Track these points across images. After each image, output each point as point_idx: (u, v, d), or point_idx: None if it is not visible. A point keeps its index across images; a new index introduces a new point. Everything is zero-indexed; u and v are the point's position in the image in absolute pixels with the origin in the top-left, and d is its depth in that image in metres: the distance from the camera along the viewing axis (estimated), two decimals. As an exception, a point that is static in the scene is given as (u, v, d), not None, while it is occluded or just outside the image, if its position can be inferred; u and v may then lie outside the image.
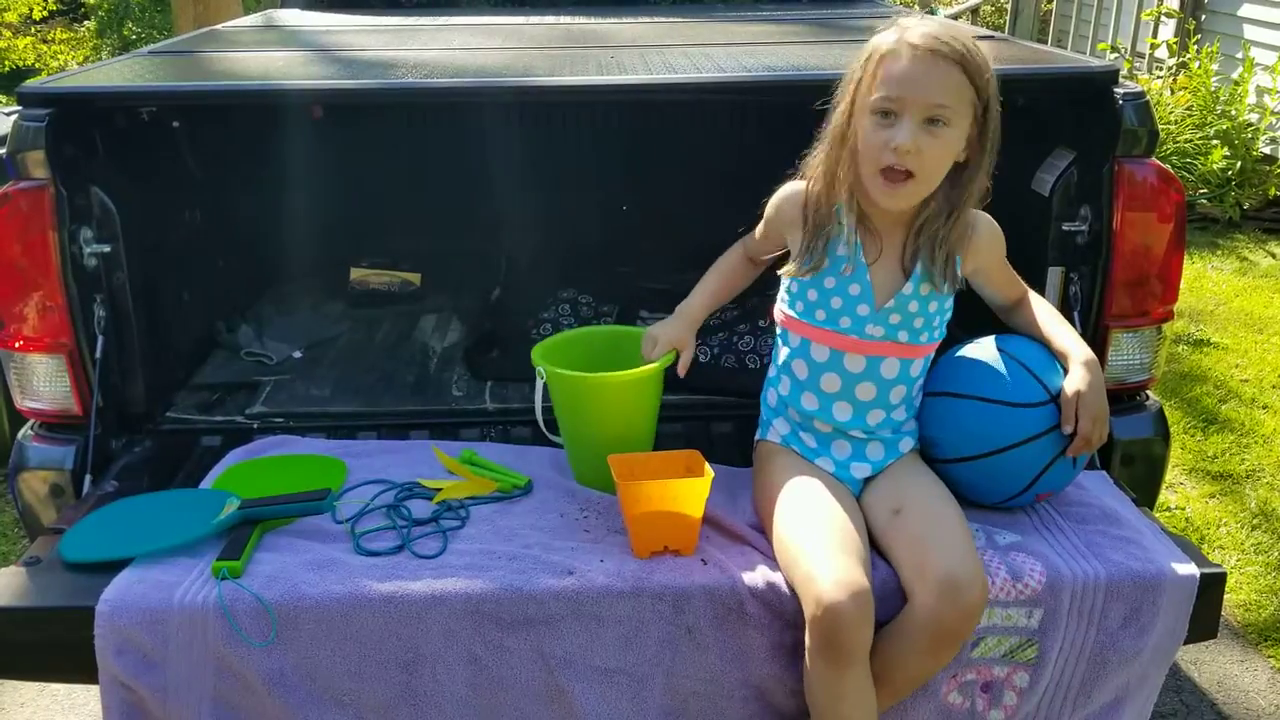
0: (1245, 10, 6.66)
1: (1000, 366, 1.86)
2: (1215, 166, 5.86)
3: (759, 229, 2.02)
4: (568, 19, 3.39)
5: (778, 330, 1.96)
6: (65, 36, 10.00)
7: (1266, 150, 6.15)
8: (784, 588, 1.71)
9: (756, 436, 2.03)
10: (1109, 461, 2.15)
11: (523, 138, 3.36)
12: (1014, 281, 1.97)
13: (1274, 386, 4.11)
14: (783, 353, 1.95)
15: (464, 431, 2.31)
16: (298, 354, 2.72)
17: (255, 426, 2.33)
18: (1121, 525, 1.87)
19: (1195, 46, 6.60)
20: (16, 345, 2.10)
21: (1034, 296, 1.98)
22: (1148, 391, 2.28)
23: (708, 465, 1.82)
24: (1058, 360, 1.87)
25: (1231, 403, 3.98)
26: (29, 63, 9.41)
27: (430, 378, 2.60)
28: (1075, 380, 1.82)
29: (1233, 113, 6.10)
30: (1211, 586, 1.78)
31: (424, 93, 2.17)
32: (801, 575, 1.66)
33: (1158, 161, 2.11)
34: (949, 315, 1.90)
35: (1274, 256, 5.60)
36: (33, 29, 9.95)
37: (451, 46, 2.74)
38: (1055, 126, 2.24)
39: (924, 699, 1.75)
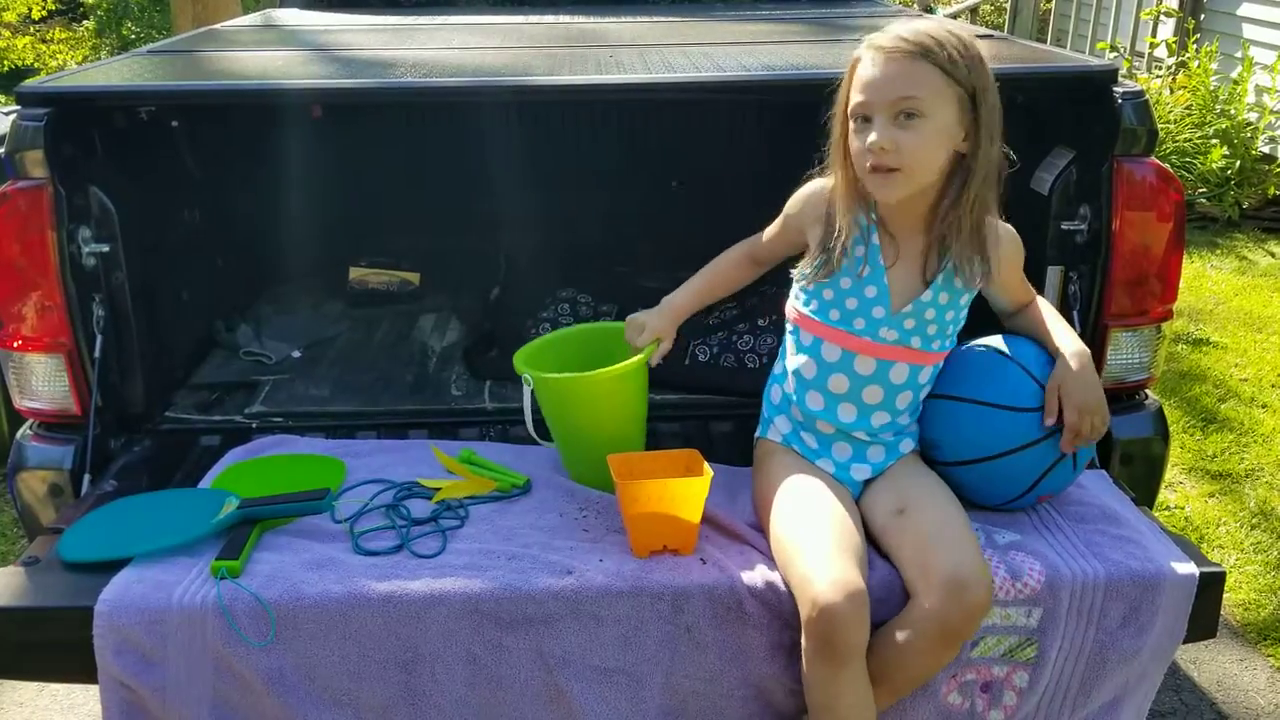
0: (1244, 9, 6.66)
1: (1002, 370, 1.86)
2: (1214, 166, 5.86)
3: (774, 226, 2.00)
4: (567, 18, 3.39)
5: (788, 327, 1.96)
6: (64, 36, 10.00)
7: (1265, 149, 6.15)
8: (783, 587, 1.71)
9: (757, 434, 2.03)
10: (1108, 461, 2.15)
11: (522, 137, 3.36)
12: (1026, 289, 1.97)
13: (1273, 385, 4.11)
14: (791, 350, 1.94)
15: (463, 431, 2.31)
16: (297, 353, 2.72)
17: (254, 426, 2.33)
18: (1121, 524, 1.87)
19: (1194, 46, 6.60)
20: (15, 345, 2.10)
21: (1037, 299, 1.98)
22: (1147, 391, 2.28)
23: (707, 465, 1.82)
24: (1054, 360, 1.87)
25: (1231, 402, 3.98)
26: (28, 62, 9.41)
27: (429, 377, 2.60)
28: (1058, 371, 1.83)
29: (1232, 112, 6.10)
30: (1211, 586, 1.78)
31: (423, 92, 2.16)
32: (797, 575, 1.66)
33: (1157, 161, 2.11)
34: (962, 324, 1.90)
35: (1273, 255, 5.60)
36: (31, 28, 9.95)
37: (450, 46, 2.74)
38: (1054, 125, 2.24)
39: (923, 699, 1.75)
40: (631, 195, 3.43)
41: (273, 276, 3.18)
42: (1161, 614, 1.77)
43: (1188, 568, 1.77)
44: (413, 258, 3.21)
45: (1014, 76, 2.07)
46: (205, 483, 2.04)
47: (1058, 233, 2.16)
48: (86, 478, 2.07)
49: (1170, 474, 3.44)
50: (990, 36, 2.70)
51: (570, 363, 2.06)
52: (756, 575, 1.73)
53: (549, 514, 1.93)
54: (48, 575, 1.76)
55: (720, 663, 1.73)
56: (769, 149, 3.43)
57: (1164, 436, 2.24)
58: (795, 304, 1.93)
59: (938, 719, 1.77)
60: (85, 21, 10.47)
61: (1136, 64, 7.46)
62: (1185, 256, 3.97)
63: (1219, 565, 1.81)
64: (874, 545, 1.80)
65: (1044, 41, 8.82)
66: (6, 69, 9.29)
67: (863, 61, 1.76)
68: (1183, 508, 3.30)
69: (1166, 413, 2.30)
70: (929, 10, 7.74)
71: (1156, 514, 2.04)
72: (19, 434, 2.18)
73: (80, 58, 9.63)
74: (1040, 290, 2.09)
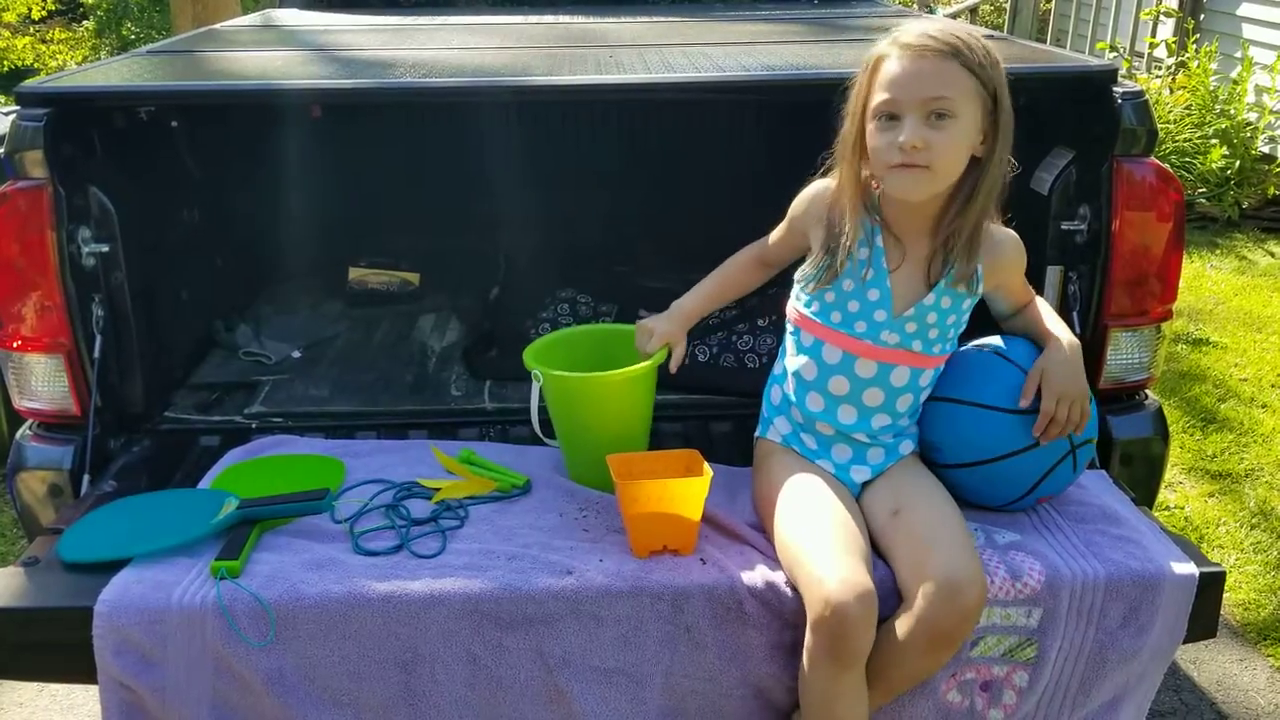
0: (1244, 9, 6.66)
1: (1002, 373, 1.86)
2: (1214, 166, 5.86)
3: (780, 229, 2.00)
4: (566, 18, 3.39)
5: (789, 328, 1.96)
6: (64, 36, 10.00)
7: (1265, 149, 6.15)
8: (783, 587, 1.71)
9: (756, 433, 2.03)
10: (1108, 461, 2.15)
11: (521, 137, 3.36)
12: (1026, 291, 1.97)
13: (1273, 385, 4.11)
14: (792, 351, 1.94)
15: (463, 431, 2.31)
16: (296, 354, 2.72)
17: (254, 426, 2.32)
18: (1121, 524, 1.87)
19: (1194, 46, 6.60)
20: (15, 345, 2.10)
21: (1035, 298, 1.98)
22: (1147, 391, 2.27)
23: (707, 465, 1.82)
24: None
25: (1230, 402, 3.98)
26: (27, 62, 9.42)
27: (429, 377, 2.60)
28: (1042, 358, 1.84)
29: (1231, 112, 6.10)
30: (1211, 585, 1.78)
31: (422, 92, 2.16)
32: (806, 576, 1.65)
33: (1157, 161, 2.10)
34: (963, 328, 1.90)
35: (1273, 255, 5.60)
36: (31, 29, 9.95)
37: (450, 46, 2.74)
38: (1054, 125, 2.24)
39: (923, 697, 1.75)
40: (631, 195, 3.43)
41: (272, 276, 3.18)
42: (1161, 614, 1.77)
43: (1188, 568, 1.77)
44: (412, 258, 3.21)
45: (1014, 76, 2.06)
46: (205, 483, 2.04)
47: (1057, 233, 2.16)
48: (86, 478, 2.07)
49: (1170, 474, 3.44)
50: (990, 36, 2.69)
51: (579, 362, 2.06)
52: (756, 575, 1.73)
53: (549, 514, 1.93)
54: (47, 575, 1.76)
55: (720, 662, 1.73)
56: (769, 149, 3.43)
57: (1164, 436, 2.24)
58: (796, 305, 1.93)
59: (937, 717, 1.77)
60: (85, 22, 10.47)
61: (1136, 64, 7.46)
62: (1185, 256, 3.97)
63: (1219, 565, 1.81)
64: (872, 546, 1.79)
65: (1043, 41, 8.82)
66: (6, 69, 9.29)
67: (889, 59, 1.73)
68: (1182, 508, 3.30)
69: (1166, 413, 2.30)
70: (929, 10, 7.74)
71: (1156, 514, 2.04)
72: (18, 434, 2.18)
73: (80, 58, 9.64)
74: (1040, 290, 2.09)
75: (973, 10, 9.40)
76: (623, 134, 3.47)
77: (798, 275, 1.93)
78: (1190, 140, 6.04)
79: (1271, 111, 6.12)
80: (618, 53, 2.52)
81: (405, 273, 3.17)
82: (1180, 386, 4.09)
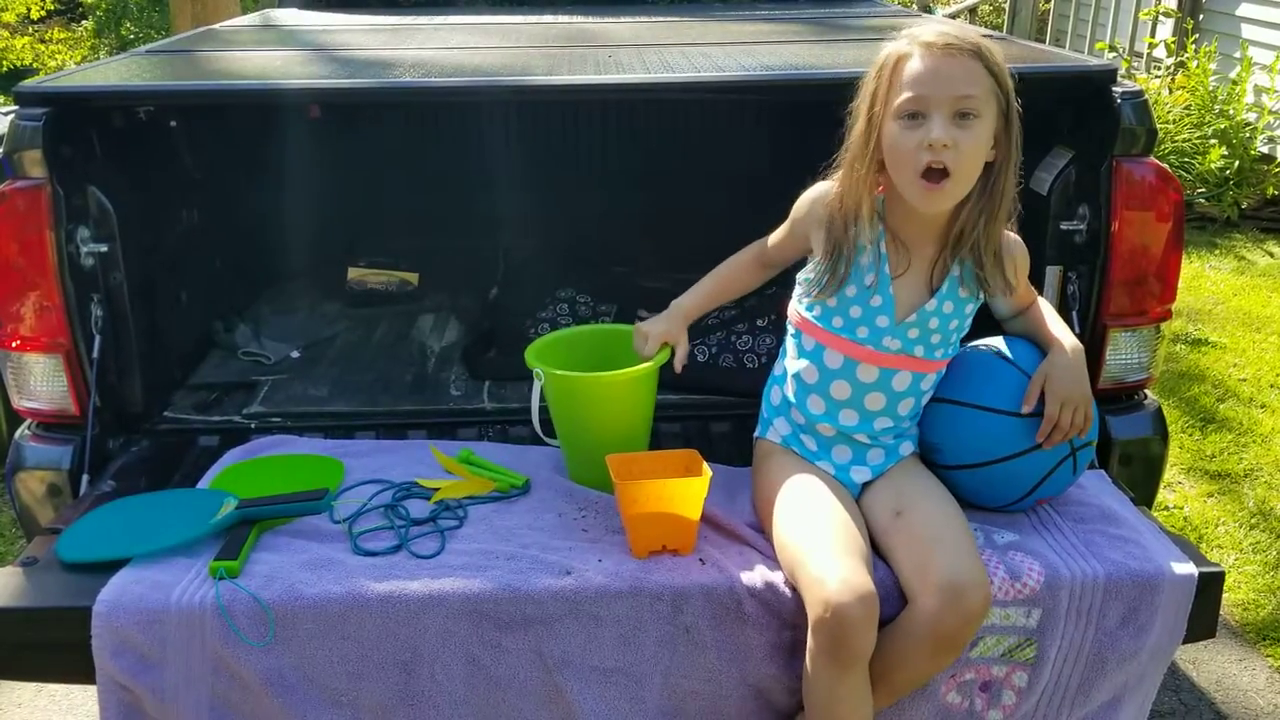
0: (1243, 10, 6.66)
1: (1004, 375, 1.86)
2: (1213, 166, 5.86)
3: (781, 230, 1.98)
4: (565, 18, 3.39)
5: (790, 330, 1.95)
6: (63, 36, 9.99)
7: (1264, 149, 6.15)
8: (782, 587, 1.71)
9: (756, 434, 2.03)
10: (1108, 461, 2.15)
11: (520, 137, 3.36)
12: (1029, 292, 1.96)
13: (1272, 385, 4.11)
14: (793, 353, 1.93)
15: (462, 431, 2.31)
16: (295, 354, 2.72)
17: (253, 426, 2.32)
18: (1120, 524, 1.87)
19: (1193, 46, 6.60)
20: (13, 345, 2.10)
21: (1037, 299, 1.98)
22: (1146, 391, 2.27)
23: (706, 465, 1.81)
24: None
25: (1229, 402, 3.98)
26: (26, 62, 9.41)
27: (428, 377, 2.60)
28: (1046, 362, 1.83)
29: (1230, 112, 6.10)
30: (1210, 585, 1.78)
31: (421, 92, 2.16)
32: (807, 577, 1.65)
33: (1156, 160, 2.10)
34: (965, 331, 1.90)
35: (1272, 255, 5.61)
36: (30, 28, 9.94)
37: (449, 46, 2.74)
38: (1053, 125, 2.24)
39: (923, 698, 1.75)
40: (631, 195, 3.43)
41: (271, 276, 3.18)
42: (1161, 614, 1.76)
43: (1187, 568, 1.77)
44: (411, 258, 3.21)
45: (1014, 76, 2.07)
46: (204, 483, 2.04)
47: (1057, 232, 2.15)
48: (85, 478, 2.07)
49: (1169, 474, 3.44)
50: (989, 36, 2.70)
51: (580, 362, 2.06)
52: (755, 575, 1.73)
53: (548, 514, 1.93)
54: (46, 576, 1.76)
55: (719, 663, 1.73)
56: (769, 149, 3.43)
57: (1163, 436, 2.24)
58: (798, 307, 1.92)
59: (937, 718, 1.77)
60: (84, 22, 10.46)
61: (1135, 64, 7.46)
62: (1184, 256, 3.97)
63: (1218, 565, 1.80)
64: (872, 547, 1.79)
65: (1043, 41, 8.82)
66: (5, 69, 9.29)
67: (911, 58, 1.70)
68: (1181, 508, 3.30)
69: (1165, 413, 2.30)
70: (928, 10, 7.74)
71: (1155, 514, 2.04)
72: (17, 434, 2.18)
73: (79, 58, 9.63)
74: (1040, 290, 2.09)
75: (972, 10, 9.40)
76: (622, 134, 3.47)
77: (799, 277, 1.92)
78: (1189, 140, 6.04)
79: (1270, 112, 6.12)
80: (617, 53, 2.52)
81: (404, 273, 3.17)
82: (1179, 386, 4.09)
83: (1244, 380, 4.16)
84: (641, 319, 2.79)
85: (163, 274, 2.38)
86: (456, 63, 2.44)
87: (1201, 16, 7.02)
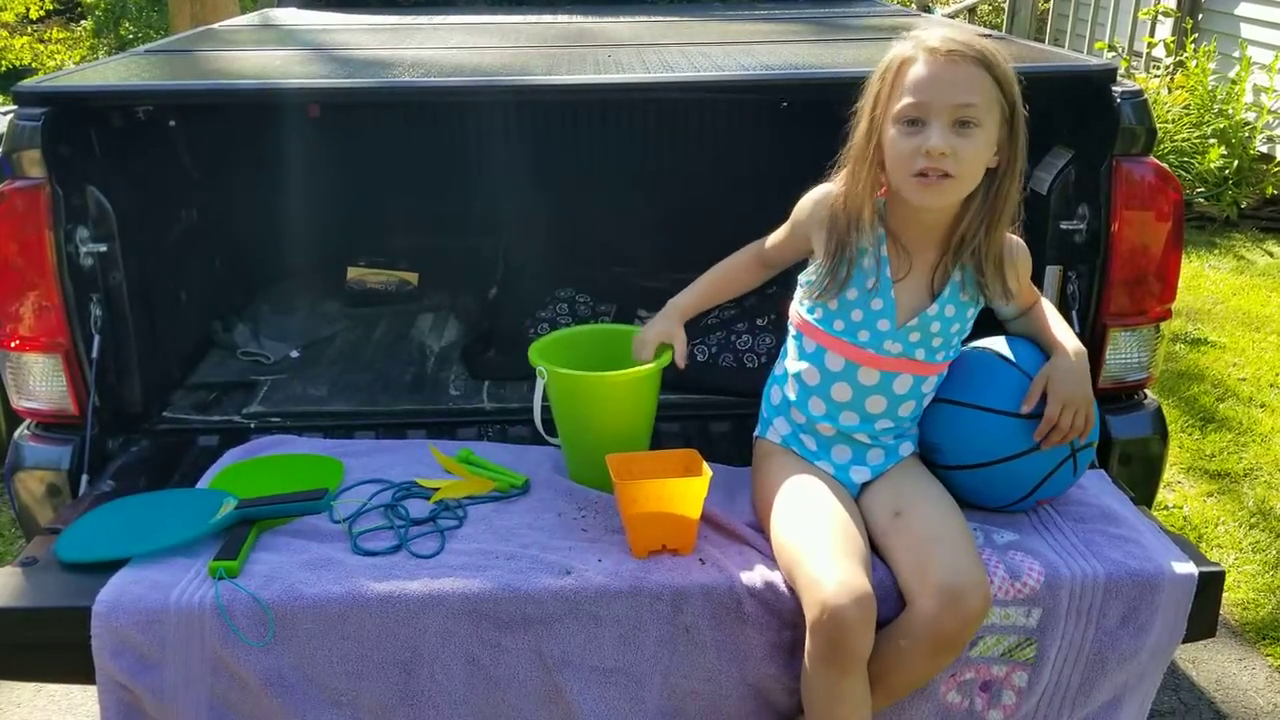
0: (1242, 9, 6.66)
1: (1005, 375, 1.85)
2: (1212, 165, 5.86)
3: (782, 231, 1.97)
4: (565, 17, 3.39)
5: (791, 331, 1.95)
6: (62, 36, 9.99)
7: (1263, 149, 6.15)
8: (782, 587, 1.71)
9: (755, 433, 2.02)
10: (1107, 460, 2.15)
11: (520, 136, 3.36)
12: (1031, 292, 1.96)
13: (1271, 385, 4.11)
14: (794, 355, 1.93)
15: (461, 431, 2.31)
16: (295, 353, 2.71)
17: (252, 426, 2.32)
18: (1120, 524, 1.87)
19: (1192, 45, 6.60)
20: (12, 345, 2.09)
21: (1040, 300, 1.98)
22: (1146, 390, 2.27)
23: (706, 464, 1.81)
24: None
25: (1229, 401, 3.98)
26: (25, 62, 9.41)
27: (427, 377, 2.60)
28: (1049, 364, 1.83)
29: (1230, 111, 6.10)
30: (1210, 585, 1.78)
31: (421, 92, 2.16)
32: (804, 578, 1.65)
33: (1156, 160, 2.10)
34: (967, 334, 1.89)
35: (1271, 255, 5.61)
36: (29, 28, 9.94)
37: (448, 45, 2.74)
38: (1053, 125, 2.24)
39: (923, 698, 1.75)
40: (631, 195, 3.43)
41: (270, 276, 3.18)
42: (1161, 613, 1.76)
43: (1187, 567, 1.77)
44: (411, 257, 3.21)
45: (1020, 82, 2.07)
46: (203, 483, 2.04)
47: (1056, 232, 2.15)
48: (84, 478, 2.07)
49: (1169, 473, 3.44)
50: (989, 36, 2.70)
51: (581, 362, 2.05)
52: (755, 575, 1.72)
53: (547, 514, 1.93)
54: (45, 576, 1.76)
55: (719, 663, 1.73)
56: (769, 149, 3.43)
57: (1163, 436, 2.24)
58: (799, 309, 1.92)
59: (937, 718, 1.77)
60: (83, 21, 10.46)
61: (1134, 64, 7.46)
62: (1183, 256, 3.97)
63: (1218, 565, 1.80)
64: (871, 547, 1.79)
65: (1042, 41, 8.82)
66: (4, 69, 9.28)
67: (915, 62, 1.70)
68: (1181, 507, 3.30)
69: (1165, 412, 2.30)
70: (927, 10, 7.74)
71: (1155, 513, 2.04)
72: (16, 434, 2.18)
73: (78, 57, 9.62)
74: (1040, 290, 2.08)
75: (971, 10, 9.40)
76: (621, 134, 3.47)
77: (801, 279, 1.92)
78: (1189, 140, 6.04)
79: (1269, 111, 6.13)
80: (617, 53, 2.52)
81: (403, 272, 3.17)
82: (1179, 386, 4.09)
83: (1243, 380, 4.16)
84: (641, 319, 2.79)
85: (162, 274, 2.38)
86: (456, 63, 2.44)
87: (1201, 16, 7.02)
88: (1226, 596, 2.84)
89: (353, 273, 3.14)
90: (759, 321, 2.58)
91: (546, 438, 2.06)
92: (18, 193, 2.01)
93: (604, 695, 1.72)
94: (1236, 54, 6.34)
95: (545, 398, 2.02)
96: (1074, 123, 2.19)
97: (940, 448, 1.90)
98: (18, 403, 2.16)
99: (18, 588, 1.73)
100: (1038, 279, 2.13)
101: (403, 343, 2.82)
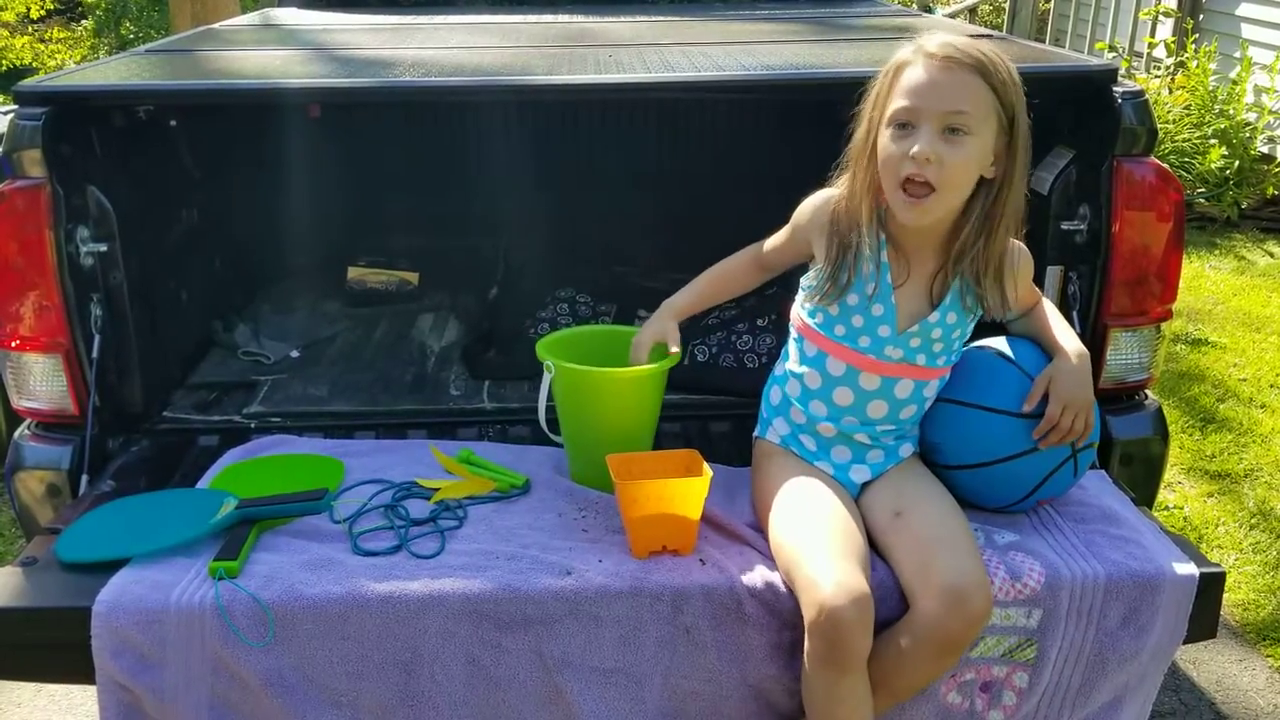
0: (1243, 9, 6.66)
1: (1005, 376, 1.85)
2: (1213, 166, 5.86)
3: (781, 234, 1.97)
4: (565, 18, 3.39)
5: (792, 334, 1.94)
6: (62, 35, 9.99)
7: (1264, 149, 6.15)
8: (782, 587, 1.71)
9: (755, 433, 2.02)
10: (1108, 461, 2.15)
11: (520, 136, 3.36)
12: (1033, 293, 1.95)
13: (1272, 385, 4.11)
14: (795, 358, 1.92)
15: (462, 431, 2.31)
16: (295, 353, 2.71)
17: (252, 426, 2.32)
18: (1120, 524, 1.86)
19: (1193, 46, 6.60)
20: (13, 345, 2.09)
21: (1042, 300, 1.97)
22: (1146, 391, 2.27)
23: (706, 465, 1.81)
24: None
25: (1230, 402, 3.98)
26: (26, 62, 9.41)
27: (428, 377, 2.60)
28: (1051, 365, 1.82)
29: (1230, 112, 6.10)
30: (1211, 586, 1.78)
31: (421, 91, 2.16)
32: (802, 579, 1.65)
33: (1157, 160, 2.10)
34: (968, 339, 1.89)
35: (1272, 255, 5.61)
36: (30, 28, 9.94)
37: (449, 45, 2.74)
38: (1054, 125, 2.23)
39: (923, 699, 1.75)
40: (631, 195, 3.43)
41: (271, 276, 3.18)
42: (1161, 614, 1.76)
43: (1188, 568, 1.77)
44: (411, 257, 3.21)
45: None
46: (203, 483, 2.04)
47: (1057, 232, 2.15)
48: (84, 478, 2.07)
49: (1169, 474, 3.44)
50: (989, 36, 2.70)
51: (586, 361, 2.05)
52: (756, 576, 1.72)
53: (548, 514, 1.93)
54: (45, 576, 1.76)
55: (719, 663, 1.72)
56: (769, 149, 3.43)
57: (1163, 436, 2.24)
58: (800, 313, 1.91)
59: (937, 718, 1.77)
60: (84, 21, 10.47)
61: (1135, 64, 7.46)
62: (1184, 256, 3.97)
63: (1219, 565, 1.80)
64: (871, 547, 1.79)
65: (1042, 41, 8.82)
66: (5, 68, 9.28)
67: (912, 66, 1.69)
68: (1181, 508, 3.29)
69: (1166, 413, 2.30)
70: (927, 10, 7.74)
71: (1155, 514, 2.04)
72: (17, 434, 2.18)
73: (79, 57, 9.63)
74: (1040, 290, 2.08)
75: (972, 10, 9.40)
76: (622, 134, 3.47)
77: (803, 282, 1.91)
78: (1189, 140, 6.04)
79: (1270, 111, 6.12)
80: (617, 52, 2.52)
81: (404, 272, 3.17)
82: (1179, 386, 4.09)
83: (1244, 380, 4.15)
84: (641, 319, 2.78)
85: (162, 273, 2.38)
86: (456, 62, 2.44)
87: (1201, 16, 7.02)
88: (1227, 597, 2.83)
89: (353, 272, 3.14)
90: (759, 322, 2.57)
91: (550, 435, 2.06)
92: (18, 192, 2.01)
93: (604, 696, 1.72)
94: (1237, 54, 6.34)
95: (549, 396, 2.02)
96: (1075, 123, 2.19)
97: (941, 447, 1.90)
98: (18, 402, 2.15)
99: (18, 588, 1.73)
100: (1038, 279, 2.13)
101: (403, 343, 2.82)
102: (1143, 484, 2.18)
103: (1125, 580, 1.75)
